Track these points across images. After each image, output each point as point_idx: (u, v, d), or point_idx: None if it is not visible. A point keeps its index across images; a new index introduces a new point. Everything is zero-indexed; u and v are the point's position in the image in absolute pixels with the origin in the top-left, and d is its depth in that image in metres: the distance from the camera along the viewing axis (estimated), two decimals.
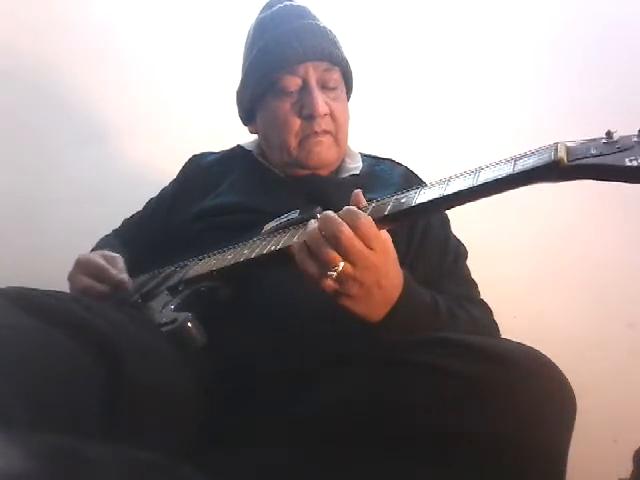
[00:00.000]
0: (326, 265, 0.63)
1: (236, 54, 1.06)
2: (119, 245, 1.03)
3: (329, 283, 0.65)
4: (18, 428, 0.44)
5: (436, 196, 0.63)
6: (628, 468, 1.05)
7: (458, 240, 1.00)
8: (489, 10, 1.52)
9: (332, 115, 0.96)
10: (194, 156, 1.11)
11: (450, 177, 0.66)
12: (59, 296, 0.65)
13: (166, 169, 1.14)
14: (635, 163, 0.51)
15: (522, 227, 1.45)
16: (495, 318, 0.92)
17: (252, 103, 1.01)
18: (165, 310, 0.75)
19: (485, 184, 0.60)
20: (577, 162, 0.55)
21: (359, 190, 0.74)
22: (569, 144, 0.58)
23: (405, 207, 0.66)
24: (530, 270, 1.45)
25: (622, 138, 0.55)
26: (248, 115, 1.04)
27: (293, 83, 0.94)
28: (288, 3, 1.00)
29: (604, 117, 1.34)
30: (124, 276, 0.86)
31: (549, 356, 0.62)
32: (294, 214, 0.83)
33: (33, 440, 0.34)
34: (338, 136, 0.97)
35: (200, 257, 0.87)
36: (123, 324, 0.66)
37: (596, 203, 1.39)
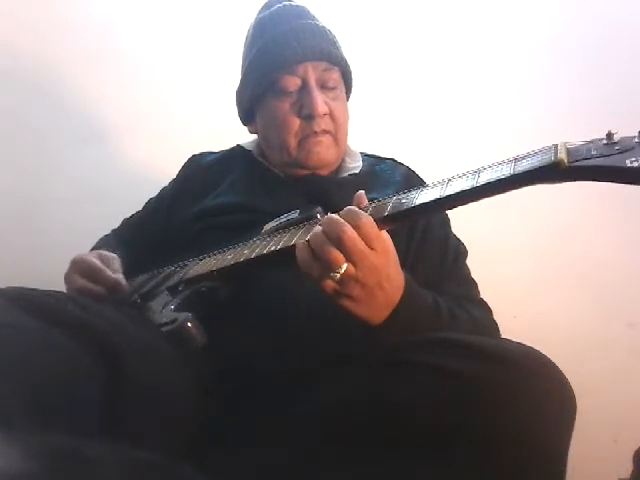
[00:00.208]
0: (329, 266, 0.63)
1: (236, 54, 1.06)
2: (118, 245, 1.03)
3: (330, 284, 0.65)
4: (18, 428, 0.44)
5: (437, 196, 0.63)
6: (628, 468, 1.05)
7: (458, 239, 1.00)
8: (489, 10, 1.52)
9: (331, 115, 0.96)
10: (194, 156, 1.11)
11: (451, 177, 0.66)
12: (59, 296, 0.65)
13: (166, 169, 1.14)
14: (636, 164, 0.51)
15: (522, 227, 1.45)
16: (495, 318, 0.92)
17: (251, 103, 1.01)
18: (165, 310, 0.75)
19: (485, 185, 0.60)
20: (577, 163, 0.55)
21: (362, 192, 0.74)
22: (569, 145, 0.58)
23: (405, 207, 0.66)
24: (530, 270, 1.45)
25: (622, 139, 0.55)
26: (248, 115, 1.04)
27: (292, 83, 0.94)
28: (287, 3, 1.00)
29: (604, 117, 1.34)
30: (119, 277, 0.85)
31: (549, 356, 0.62)
32: (294, 214, 0.82)
33: (33, 440, 0.34)
34: (337, 136, 0.97)
35: (200, 257, 0.87)
36: (123, 324, 0.66)
37: (596, 203, 1.39)
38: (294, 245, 0.71)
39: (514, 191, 0.60)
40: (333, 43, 0.98)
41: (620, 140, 0.55)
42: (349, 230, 0.63)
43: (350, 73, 1.03)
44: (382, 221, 0.66)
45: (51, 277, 0.87)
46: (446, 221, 1.00)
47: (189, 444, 0.67)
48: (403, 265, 0.72)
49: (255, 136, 1.08)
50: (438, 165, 1.18)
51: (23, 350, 0.52)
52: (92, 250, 1.01)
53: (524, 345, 0.64)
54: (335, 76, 0.97)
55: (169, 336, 0.67)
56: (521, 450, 0.56)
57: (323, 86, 0.96)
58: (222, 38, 1.44)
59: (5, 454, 0.31)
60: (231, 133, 1.12)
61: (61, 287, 0.82)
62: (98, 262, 0.86)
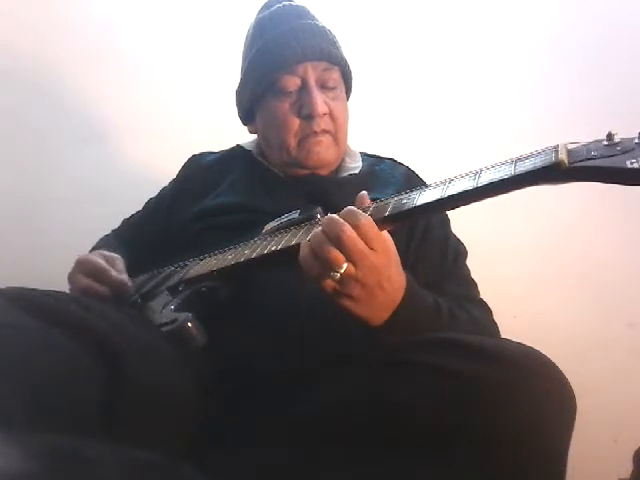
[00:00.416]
0: (329, 265, 0.63)
1: (236, 54, 1.06)
2: (118, 245, 1.03)
3: (330, 283, 0.65)
4: (18, 428, 0.44)
5: (437, 197, 0.64)
6: (628, 468, 1.05)
7: (458, 240, 1.00)
8: (489, 10, 1.52)
9: (331, 115, 0.96)
10: (194, 156, 1.11)
11: (451, 178, 0.66)
12: (59, 296, 0.65)
13: (166, 169, 1.14)
14: (636, 165, 0.51)
15: (522, 227, 1.45)
16: (495, 318, 0.92)
17: (251, 103, 1.01)
18: (165, 310, 0.75)
19: (486, 186, 0.60)
20: (578, 164, 0.55)
21: (364, 192, 0.74)
22: (570, 146, 0.58)
23: (406, 208, 0.66)
24: (530, 270, 1.45)
25: (623, 140, 0.55)
26: (247, 115, 1.04)
27: (292, 83, 0.94)
28: (287, 3, 1.00)
29: (604, 117, 1.34)
30: (124, 277, 0.86)
31: (549, 356, 0.62)
32: (294, 214, 0.83)
33: (33, 440, 0.34)
34: (337, 136, 0.97)
35: (200, 257, 0.87)
36: (123, 324, 0.66)
37: (596, 203, 1.39)
38: (294, 245, 0.71)
39: (514, 191, 0.60)
40: (333, 43, 0.98)
41: (620, 141, 0.55)
42: (348, 230, 0.63)
43: (350, 73, 1.03)
44: (383, 221, 0.67)
45: (51, 277, 0.87)
46: (446, 221, 1.00)
47: (189, 444, 0.67)
48: (404, 265, 0.72)
49: (255, 136, 1.08)
50: (438, 165, 1.19)
51: (23, 350, 0.52)
52: (92, 250, 1.01)
53: (524, 345, 0.64)
54: (335, 76, 0.97)
55: (169, 336, 0.67)
56: (521, 450, 0.56)
57: (323, 86, 0.96)
58: (222, 38, 1.44)
59: (5, 454, 0.31)
60: (231, 133, 1.12)
61: (61, 287, 0.81)
62: (103, 262, 0.86)
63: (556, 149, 0.58)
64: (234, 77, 1.05)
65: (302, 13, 0.99)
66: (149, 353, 0.65)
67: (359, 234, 0.64)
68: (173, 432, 0.66)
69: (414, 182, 0.98)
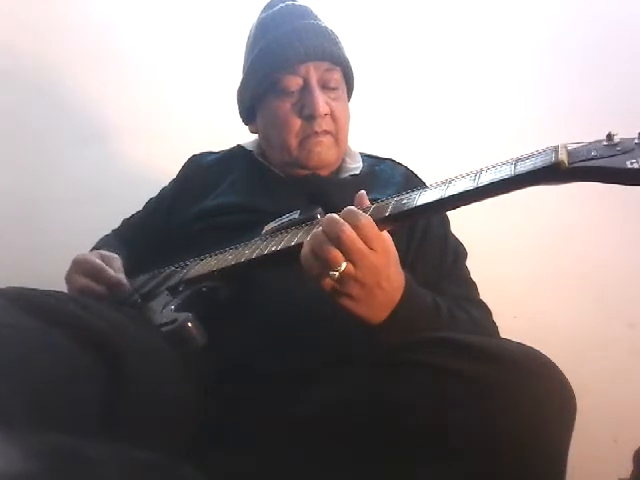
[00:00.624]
0: (328, 265, 0.63)
1: (236, 54, 1.06)
2: (118, 245, 1.03)
3: (329, 282, 0.65)
4: (18, 428, 0.44)
5: (437, 197, 0.64)
6: (628, 468, 1.05)
7: (457, 240, 1.00)
8: (489, 10, 1.52)
9: (333, 115, 0.96)
10: (194, 156, 1.11)
11: (451, 179, 0.66)
12: (59, 296, 0.65)
13: (166, 169, 1.14)
14: (636, 165, 0.51)
15: (522, 227, 1.45)
16: (495, 318, 0.92)
17: (253, 102, 1.01)
18: (165, 310, 0.75)
19: (486, 186, 0.60)
20: (578, 164, 0.55)
21: (363, 192, 0.74)
22: (570, 146, 0.58)
23: (406, 208, 0.66)
24: (530, 270, 1.45)
25: (623, 141, 0.55)
26: (249, 114, 1.04)
27: (294, 83, 0.94)
28: (290, 3, 1.00)
29: (604, 117, 1.34)
30: (121, 276, 0.86)
31: (549, 356, 0.62)
32: (295, 214, 0.83)
33: (33, 440, 0.34)
34: (338, 136, 0.97)
35: (200, 257, 0.87)
36: (123, 324, 0.66)
37: (596, 203, 1.39)
38: (295, 246, 0.71)
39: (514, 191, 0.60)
40: (335, 43, 0.97)
41: (620, 141, 0.55)
42: (348, 230, 0.63)
43: (352, 73, 1.03)
44: (383, 221, 0.67)
45: (51, 277, 0.87)
46: (446, 222, 1.00)
47: (189, 444, 0.67)
48: (403, 265, 0.72)
49: (255, 136, 1.08)
50: (438, 165, 1.19)
51: (23, 350, 0.52)
52: (92, 250, 1.01)
53: (524, 345, 0.64)
54: (337, 76, 0.97)
55: (169, 336, 0.67)
56: (521, 450, 0.56)
57: (324, 86, 0.96)
58: (222, 38, 1.44)
59: (5, 454, 0.31)
60: (231, 133, 1.12)
61: (61, 287, 0.82)
62: (100, 262, 0.86)
63: (556, 149, 0.58)
64: (234, 77, 1.05)
65: (305, 13, 0.99)
66: (149, 353, 0.65)
67: (359, 234, 0.64)
68: (173, 432, 0.66)
69: (413, 182, 0.98)
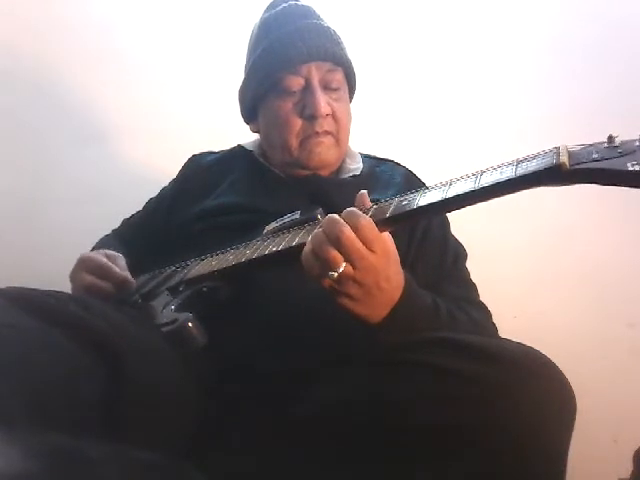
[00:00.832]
0: (327, 265, 0.63)
1: (236, 54, 1.06)
2: (118, 245, 1.03)
3: (329, 282, 0.65)
4: (18, 428, 0.44)
5: (438, 199, 0.64)
6: (628, 468, 1.05)
7: (457, 242, 1.00)
8: (489, 10, 1.52)
9: (334, 116, 0.95)
10: (194, 156, 1.11)
11: (452, 180, 0.66)
12: (59, 296, 0.65)
13: (166, 169, 1.14)
14: (637, 167, 0.51)
15: (522, 227, 1.45)
16: (495, 318, 0.92)
17: (254, 102, 1.01)
18: (166, 310, 0.75)
19: (487, 187, 0.60)
20: (579, 166, 0.55)
21: (364, 191, 0.74)
22: (571, 148, 0.58)
23: (407, 209, 0.66)
24: (530, 270, 1.45)
25: (624, 142, 0.55)
26: (250, 114, 1.04)
27: (296, 83, 0.94)
28: (293, 3, 1.00)
29: (605, 118, 1.34)
30: (127, 274, 0.86)
31: (549, 356, 0.62)
32: (295, 215, 0.83)
33: (33, 440, 0.34)
34: (339, 137, 0.97)
35: (201, 257, 0.87)
36: (123, 324, 0.66)
37: (596, 203, 1.39)
38: (295, 246, 0.71)
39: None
40: (338, 44, 0.97)
41: (621, 143, 0.55)
42: (347, 231, 0.63)
43: (354, 74, 1.02)
44: (383, 223, 0.67)
45: (51, 277, 0.87)
46: (445, 223, 0.99)
47: (189, 444, 0.67)
48: (403, 265, 0.72)
49: (256, 136, 1.08)
50: (439, 166, 1.19)
51: (23, 350, 0.52)
52: (92, 250, 1.01)
53: (524, 345, 0.64)
54: (339, 77, 0.97)
55: (169, 336, 0.67)
56: (521, 450, 0.56)
57: (326, 87, 0.96)
58: (222, 38, 1.44)
59: (5, 454, 0.31)
60: (231, 133, 1.12)
61: (61, 287, 0.81)
62: (106, 260, 0.86)
63: (557, 151, 0.58)
64: (235, 77, 1.05)
65: (308, 13, 0.99)
66: (149, 353, 0.65)
67: (358, 235, 0.64)
68: (173, 432, 0.66)
69: (414, 183, 0.98)
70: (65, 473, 0.33)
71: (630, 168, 0.51)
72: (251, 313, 0.80)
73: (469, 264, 0.98)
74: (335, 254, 0.63)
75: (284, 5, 0.99)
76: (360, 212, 0.66)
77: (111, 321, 0.64)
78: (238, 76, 1.04)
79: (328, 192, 0.94)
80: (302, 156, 0.95)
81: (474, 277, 0.97)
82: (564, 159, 0.56)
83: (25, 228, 1.38)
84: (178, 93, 1.47)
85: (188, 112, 1.46)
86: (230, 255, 0.81)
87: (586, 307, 1.43)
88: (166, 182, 1.12)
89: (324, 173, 0.99)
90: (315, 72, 0.94)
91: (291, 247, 0.72)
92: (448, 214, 0.98)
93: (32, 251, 1.36)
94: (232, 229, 0.90)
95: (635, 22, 1.47)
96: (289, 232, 0.78)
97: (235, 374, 0.75)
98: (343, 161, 1.03)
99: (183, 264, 0.89)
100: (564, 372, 0.61)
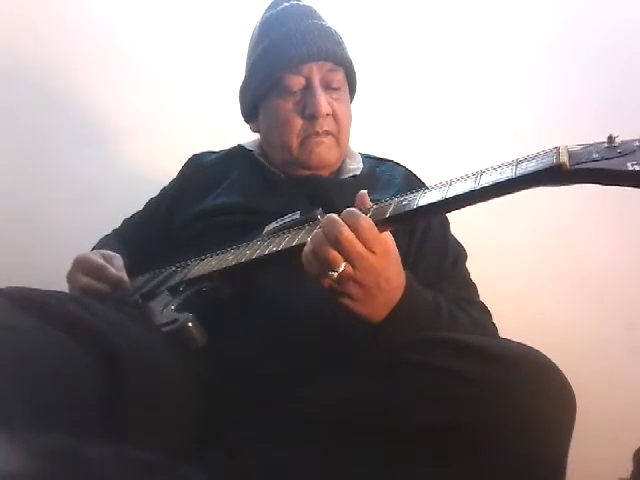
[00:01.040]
0: (327, 265, 0.63)
1: (237, 54, 1.06)
2: (119, 245, 1.03)
3: (328, 282, 0.65)
4: (18, 428, 0.44)
5: (438, 199, 0.64)
6: (628, 468, 1.05)
7: (457, 242, 1.00)
8: (489, 11, 1.52)
9: (334, 116, 0.95)
10: (194, 156, 1.11)
11: (452, 180, 0.66)
12: (59, 296, 0.65)
13: (166, 169, 1.14)
14: (637, 167, 0.51)
15: (522, 227, 1.45)
16: (495, 318, 0.92)
17: (255, 101, 1.01)
18: (166, 310, 0.75)
19: (487, 187, 0.60)
20: (579, 166, 0.55)
21: (365, 191, 0.74)
22: (571, 148, 0.58)
23: (407, 209, 0.66)
24: (530, 270, 1.45)
25: (624, 142, 0.55)
26: (250, 113, 1.04)
27: (296, 82, 0.94)
28: (294, 2, 1.00)
29: (605, 118, 1.34)
30: (123, 274, 0.86)
31: (549, 356, 0.62)
32: (295, 215, 0.83)
33: (33, 440, 0.34)
34: (340, 137, 0.97)
35: (201, 257, 0.87)
36: (123, 324, 0.66)
37: (596, 203, 1.39)
38: (295, 246, 0.71)
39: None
40: (339, 44, 0.97)
41: (621, 143, 0.55)
42: (346, 231, 0.63)
43: (354, 74, 1.02)
44: (383, 223, 0.67)
45: (51, 277, 0.87)
46: (445, 223, 0.99)
47: (189, 444, 0.67)
48: (404, 265, 0.72)
49: (256, 136, 1.08)
50: (439, 166, 1.19)
51: (23, 350, 0.52)
52: (92, 250, 1.01)
53: (524, 345, 0.64)
54: (339, 77, 0.97)
55: (170, 336, 0.67)
56: (521, 450, 0.56)
57: (327, 86, 0.96)
58: (222, 38, 1.44)
59: (5, 454, 0.31)
60: (231, 133, 1.12)
61: (61, 287, 0.81)
62: (101, 260, 0.86)
63: (557, 151, 0.58)
64: (235, 77, 1.05)
65: (309, 13, 0.99)
66: (149, 353, 0.65)
67: (358, 236, 0.64)
68: (173, 432, 0.66)
69: (413, 184, 0.98)
70: (65, 473, 0.33)
71: (630, 168, 0.51)
72: (251, 313, 0.80)
73: (469, 264, 0.98)
74: (334, 254, 0.63)
75: (285, 5, 0.99)
76: (359, 212, 0.66)
77: (111, 321, 0.64)
78: (238, 76, 1.04)
79: (328, 192, 0.94)
80: (302, 156, 0.95)
81: (474, 277, 0.97)
82: (564, 159, 0.56)
83: (25, 228, 1.38)
84: (178, 93, 1.47)
85: (188, 112, 1.46)
86: (230, 255, 0.81)
87: (586, 307, 1.43)
88: (166, 182, 1.12)
89: (324, 173, 0.99)
90: (316, 72, 0.94)
91: (291, 247, 0.72)
92: (448, 214, 0.98)
93: (32, 251, 1.36)
94: (232, 229, 0.90)
95: (635, 22, 1.47)
96: (289, 232, 0.78)
97: (235, 374, 0.75)
98: (343, 161, 1.03)
99: (183, 264, 0.89)
100: (564, 372, 0.61)
